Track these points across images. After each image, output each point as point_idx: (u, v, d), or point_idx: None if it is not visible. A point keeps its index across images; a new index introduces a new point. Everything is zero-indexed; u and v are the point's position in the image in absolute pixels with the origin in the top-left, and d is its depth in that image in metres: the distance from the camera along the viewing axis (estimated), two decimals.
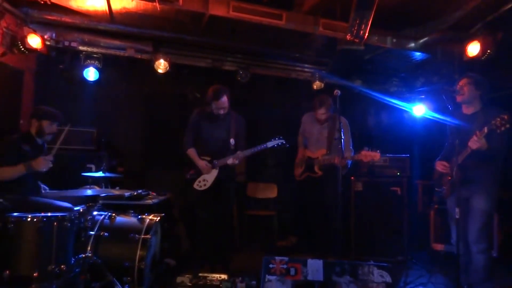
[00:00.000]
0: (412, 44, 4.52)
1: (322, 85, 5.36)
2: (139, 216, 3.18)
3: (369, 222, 4.37)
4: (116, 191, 3.53)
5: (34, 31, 4.02)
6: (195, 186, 3.80)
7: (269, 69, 5.42)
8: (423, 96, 5.19)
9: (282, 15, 3.97)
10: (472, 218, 3.11)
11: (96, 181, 3.90)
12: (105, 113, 5.02)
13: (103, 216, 3.11)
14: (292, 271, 2.85)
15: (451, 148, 3.24)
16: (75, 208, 3.06)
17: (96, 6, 4.05)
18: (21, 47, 3.93)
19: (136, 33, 4.56)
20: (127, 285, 2.84)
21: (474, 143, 2.89)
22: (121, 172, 4.40)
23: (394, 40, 4.47)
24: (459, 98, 3.22)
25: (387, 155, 4.47)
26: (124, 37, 4.66)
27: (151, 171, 5.16)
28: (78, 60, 4.60)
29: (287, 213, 5.29)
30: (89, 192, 3.01)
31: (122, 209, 3.36)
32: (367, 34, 3.93)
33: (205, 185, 3.78)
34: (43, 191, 3.41)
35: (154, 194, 4.14)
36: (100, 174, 3.77)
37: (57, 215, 2.70)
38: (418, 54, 4.77)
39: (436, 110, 4.30)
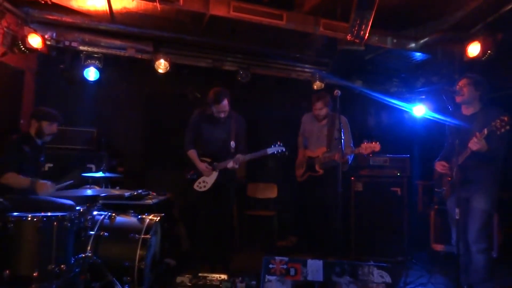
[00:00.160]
0: (413, 45, 4.52)
1: (323, 85, 5.37)
2: (139, 216, 3.18)
3: (369, 222, 4.36)
4: (116, 191, 3.52)
5: (35, 31, 4.02)
6: (195, 187, 3.80)
7: (269, 69, 5.42)
8: (423, 97, 5.17)
9: (283, 15, 3.98)
10: (472, 218, 3.11)
11: (96, 181, 3.90)
12: (105, 113, 5.02)
13: (103, 216, 3.10)
14: (292, 271, 2.85)
15: (451, 148, 3.24)
16: (77, 207, 3.06)
17: (96, 6, 4.05)
18: (22, 47, 3.93)
19: (137, 33, 4.57)
20: (127, 285, 2.84)
21: (474, 144, 2.89)
22: (121, 172, 4.39)
23: (395, 41, 4.47)
24: (458, 99, 3.22)
25: (387, 155, 4.46)
26: (124, 37, 4.66)
27: (151, 171, 5.15)
28: (78, 60, 4.60)
29: (287, 213, 5.29)
30: (89, 192, 3.00)
31: (122, 209, 3.36)
32: (367, 35, 3.93)
33: (205, 186, 3.79)
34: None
35: (154, 194, 4.14)
36: (100, 174, 3.76)
37: (57, 215, 2.70)
38: (418, 54, 4.77)
39: (436, 110, 4.30)
